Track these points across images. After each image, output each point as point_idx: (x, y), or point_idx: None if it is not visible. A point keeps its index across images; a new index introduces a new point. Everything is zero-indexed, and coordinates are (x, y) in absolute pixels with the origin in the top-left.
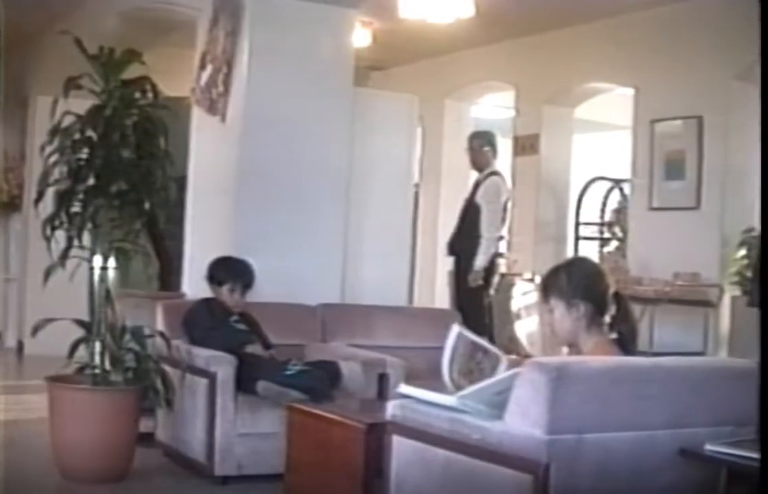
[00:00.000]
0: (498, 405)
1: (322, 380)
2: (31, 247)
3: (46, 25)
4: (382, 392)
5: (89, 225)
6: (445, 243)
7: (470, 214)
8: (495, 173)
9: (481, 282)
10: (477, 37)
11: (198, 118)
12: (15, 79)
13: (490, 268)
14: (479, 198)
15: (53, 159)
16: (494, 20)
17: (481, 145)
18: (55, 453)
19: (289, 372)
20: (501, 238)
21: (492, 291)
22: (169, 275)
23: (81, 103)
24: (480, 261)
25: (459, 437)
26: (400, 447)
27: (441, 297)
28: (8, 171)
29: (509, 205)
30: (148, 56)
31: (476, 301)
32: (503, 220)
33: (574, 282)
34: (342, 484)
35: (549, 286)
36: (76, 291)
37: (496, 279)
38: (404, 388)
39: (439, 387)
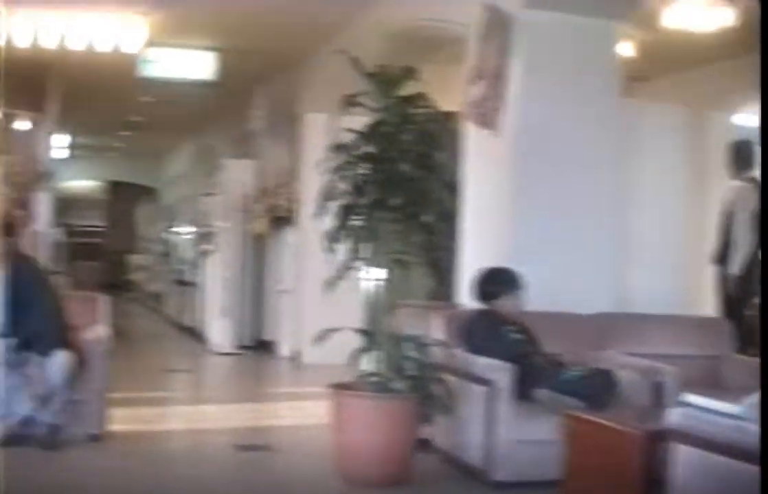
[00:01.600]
0: None
1: (599, 387)
2: (306, 260)
3: (314, 46)
4: (658, 400)
5: (370, 237)
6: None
7: (727, 222)
8: (750, 180)
9: (737, 291)
10: (740, 45)
11: (470, 132)
12: (285, 98)
13: (748, 276)
14: (734, 205)
15: (334, 174)
16: (757, 27)
17: (734, 153)
18: (337, 457)
19: (566, 379)
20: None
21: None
22: (443, 285)
23: (354, 120)
24: (733, 270)
25: (744, 445)
26: (681, 455)
27: (710, 305)
28: (281, 186)
29: None
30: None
31: (738, 309)
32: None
33: None
34: (620, 492)
35: None
36: (349, 301)
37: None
38: (689, 397)
39: (718, 396)
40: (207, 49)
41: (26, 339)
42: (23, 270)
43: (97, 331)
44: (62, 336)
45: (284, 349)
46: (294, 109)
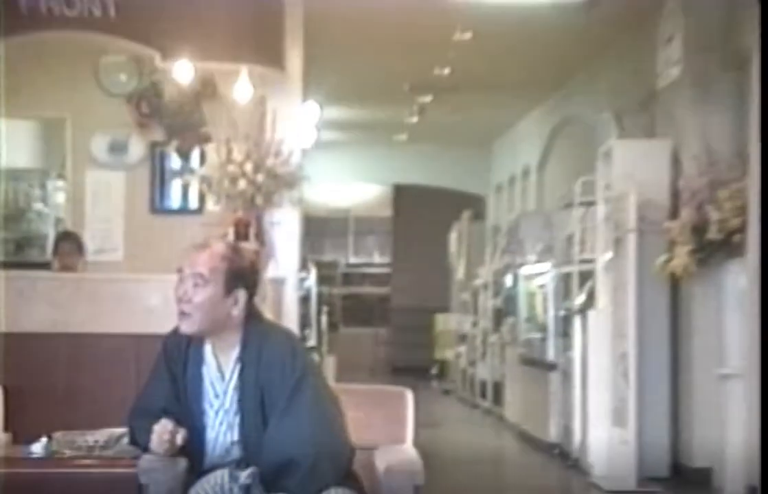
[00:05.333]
0: None
1: None
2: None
3: None
4: None
5: None
6: None
7: None
8: None
9: None
10: None
11: None
12: (720, 22)
13: None
14: None
15: None
16: None
17: None
18: None
19: None
20: None
21: None
22: None
23: None
24: None
25: None
26: None
27: None
28: (718, 185)
29: None
30: None
31: None
32: None
33: None
34: None
35: None
36: None
37: None
38: None
39: None
40: None
41: (275, 469)
42: (267, 353)
43: (399, 454)
44: (337, 464)
45: (731, 483)
46: (741, 43)
